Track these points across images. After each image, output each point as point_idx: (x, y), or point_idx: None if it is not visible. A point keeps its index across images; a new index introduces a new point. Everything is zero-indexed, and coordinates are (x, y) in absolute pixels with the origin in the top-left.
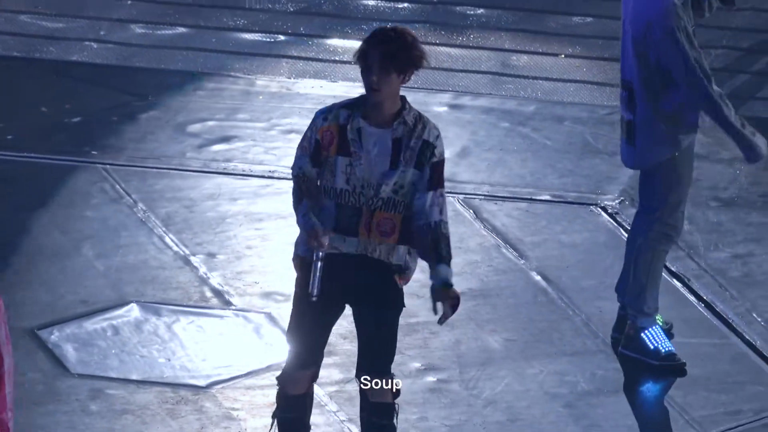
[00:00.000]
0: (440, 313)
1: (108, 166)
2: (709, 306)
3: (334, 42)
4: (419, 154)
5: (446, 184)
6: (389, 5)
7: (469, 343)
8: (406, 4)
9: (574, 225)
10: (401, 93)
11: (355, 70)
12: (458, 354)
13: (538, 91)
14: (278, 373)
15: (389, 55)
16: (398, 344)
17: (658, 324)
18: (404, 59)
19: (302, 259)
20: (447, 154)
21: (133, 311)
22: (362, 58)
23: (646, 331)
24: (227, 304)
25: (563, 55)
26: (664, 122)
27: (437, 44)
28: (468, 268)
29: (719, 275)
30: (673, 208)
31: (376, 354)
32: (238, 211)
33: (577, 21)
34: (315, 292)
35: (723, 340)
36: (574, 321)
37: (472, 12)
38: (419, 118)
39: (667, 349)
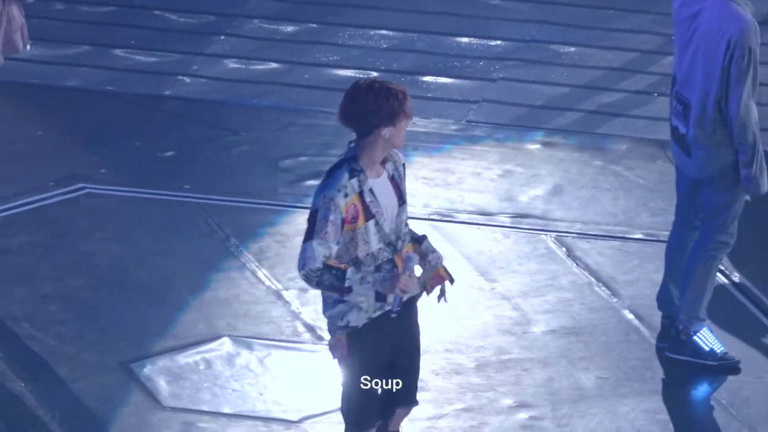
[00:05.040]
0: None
1: (201, 201)
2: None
3: (427, 79)
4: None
5: (538, 222)
6: (482, 42)
7: (561, 380)
8: (499, 42)
9: None
10: None
11: (448, 107)
12: (550, 391)
13: (631, 129)
14: None
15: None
16: (491, 381)
17: (707, 326)
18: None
19: (351, 329)
20: (539, 192)
21: (226, 345)
22: (402, 112)
23: (699, 334)
24: (319, 338)
25: (656, 94)
26: (716, 137)
27: (530, 82)
28: (560, 306)
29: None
30: (734, 217)
31: (413, 384)
32: None
33: (670, 60)
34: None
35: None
36: (667, 359)
37: (564, 50)
38: None
39: (721, 349)
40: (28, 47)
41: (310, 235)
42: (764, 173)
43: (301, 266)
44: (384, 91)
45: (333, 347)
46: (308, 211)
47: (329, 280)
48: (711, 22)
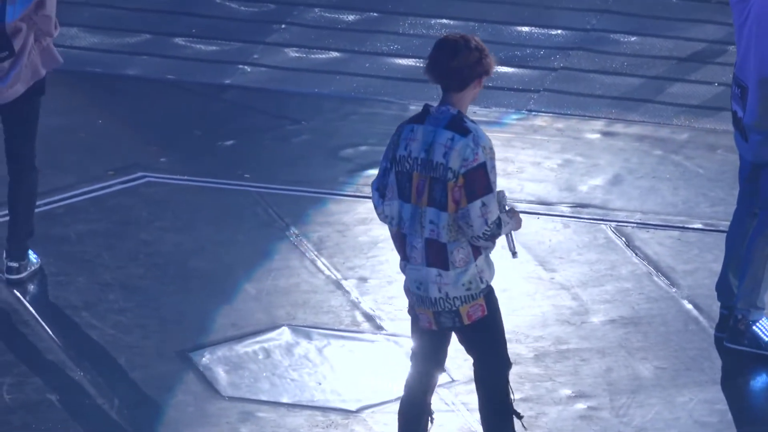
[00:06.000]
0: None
1: (261, 190)
2: None
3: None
4: None
5: (598, 211)
6: (543, 32)
7: (619, 370)
8: (559, 31)
9: None
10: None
11: (508, 96)
12: (609, 381)
13: (691, 118)
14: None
15: None
16: (549, 371)
17: (766, 316)
18: None
19: (488, 288)
20: (599, 182)
21: (285, 335)
22: (491, 68)
23: (758, 324)
24: (378, 328)
25: (717, 84)
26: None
27: (590, 71)
28: (619, 296)
29: None
30: None
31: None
32: (389, 236)
33: (732, 49)
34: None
35: None
36: (726, 350)
37: (625, 39)
38: None
39: None
40: (56, 33)
41: (488, 188)
42: None
43: (486, 221)
44: (480, 46)
45: (472, 312)
46: (368, 200)
47: (495, 230)
48: (762, 2)
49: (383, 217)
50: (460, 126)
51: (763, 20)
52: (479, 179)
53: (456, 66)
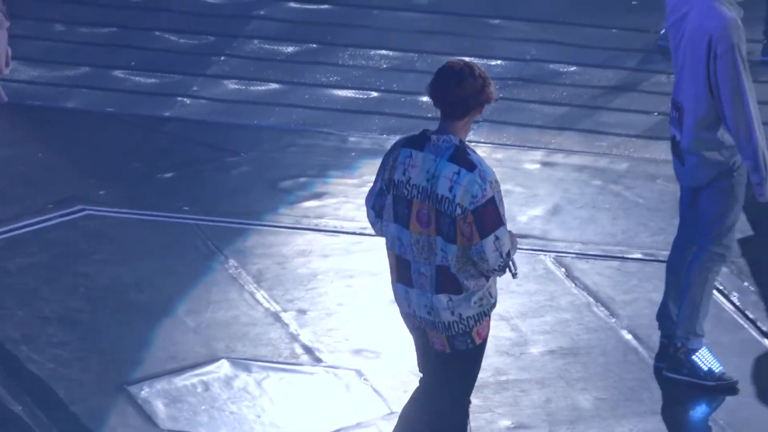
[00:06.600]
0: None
1: (200, 222)
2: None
3: (426, 99)
4: None
5: (537, 242)
6: (482, 62)
7: (558, 401)
8: (499, 62)
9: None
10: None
11: None
12: (548, 412)
13: (630, 149)
14: (368, 429)
15: None
16: (488, 402)
17: (706, 345)
18: None
19: (493, 305)
20: (538, 212)
21: (224, 367)
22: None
23: (697, 353)
24: (317, 360)
25: (656, 113)
26: (708, 142)
27: (530, 101)
28: (559, 327)
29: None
30: (729, 228)
31: None
32: (329, 267)
33: (667, 80)
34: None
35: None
36: (665, 380)
37: (564, 69)
38: None
39: (719, 369)
40: (7, 71)
41: (498, 222)
42: None
43: (501, 254)
44: (483, 74)
45: (482, 330)
46: (308, 231)
47: (507, 260)
48: (695, 22)
49: (380, 233)
50: (464, 159)
51: (696, 40)
52: (489, 214)
53: (461, 95)
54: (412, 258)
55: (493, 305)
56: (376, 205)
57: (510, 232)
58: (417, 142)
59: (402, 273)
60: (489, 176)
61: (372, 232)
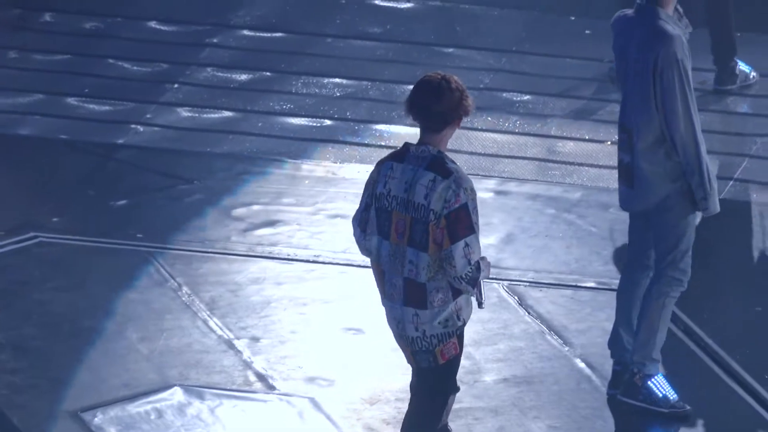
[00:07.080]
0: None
1: (153, 249)
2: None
3: (380, 127)
4: None
5: (492, 270)
6: None
7: (512, 429)
8: None
9: None
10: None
11: None
12: None
13: (583, 177)
14: None
15: None
16: None
17: (662, 372)
18: None
19: (461, 327)
20: (492, 241)
21: (177, 395)
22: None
23: (653, 379)
24: (271, 388)
25: (609, 142)
26: (658, 163)
27: (483, 130)
28: (512, 355)
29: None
30: (684, 252)
31: None
32: (282, 295)
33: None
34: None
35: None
36: (618, 408)
37: (518, 98)
38: None
39: (674, 396)
40: None
41: (470, 228)
42: (715, 193)
43: (469, 262)
44: (460, 87)
45: (446, 351)
46: (261, 259)
47: (475, 273)
48: (641, 42)
49: (365, 252)
50: (441, 167)
51: (641, 60)
52: (461, 220)
53: (439, 110)
54: (387, 269)
55: (460, 328)
56: (362, 220)
57: (484, 258)
58: (398, 155)
59: (380, 284)
60: (464, 183)
61: (325, 259)
